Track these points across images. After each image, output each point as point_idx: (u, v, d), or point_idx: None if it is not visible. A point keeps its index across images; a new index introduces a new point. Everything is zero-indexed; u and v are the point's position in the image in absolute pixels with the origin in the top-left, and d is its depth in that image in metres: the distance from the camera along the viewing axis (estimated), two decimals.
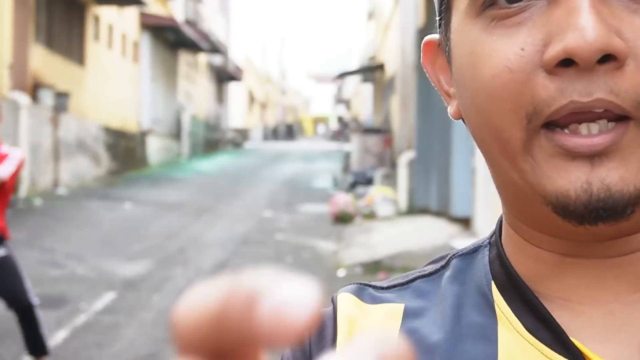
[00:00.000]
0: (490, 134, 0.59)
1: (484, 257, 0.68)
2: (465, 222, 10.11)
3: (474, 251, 0.70)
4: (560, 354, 0.60)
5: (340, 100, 64.99)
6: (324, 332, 0.67)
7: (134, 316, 6.45)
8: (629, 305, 0.61)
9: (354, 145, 20.15)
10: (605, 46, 0.53)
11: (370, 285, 0.72)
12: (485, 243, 0.70)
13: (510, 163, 0.58)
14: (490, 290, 0.65)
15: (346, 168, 21.31)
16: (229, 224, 11.87)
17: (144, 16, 23.11)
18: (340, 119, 60.86)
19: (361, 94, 41.91)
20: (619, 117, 0.55)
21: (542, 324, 0.61)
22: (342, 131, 46.14)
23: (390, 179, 15.47)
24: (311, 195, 16.59)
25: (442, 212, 11.17)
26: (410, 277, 0.71)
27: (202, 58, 33.83)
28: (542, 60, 0.55)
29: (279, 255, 9.39)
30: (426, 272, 0.71)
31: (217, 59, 36.91)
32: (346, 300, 0.70)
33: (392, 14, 21.27)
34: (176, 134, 27.59)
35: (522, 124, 0.56)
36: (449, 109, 0.67)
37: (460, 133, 9.99)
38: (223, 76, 39.60)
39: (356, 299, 0.70)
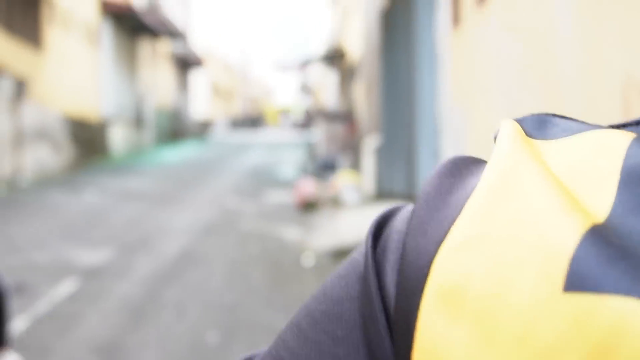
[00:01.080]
0: None
1: None
2: None
3: None
4: None
5: (305, 89, 64.75)
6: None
7: (96, 304, 6.28)
8: None
9: (319, 132, 20.03)
10: None
11: (562, 117, 0.41)
12: None
13: None
14: None
15: (312, 156, 21.19)
16: (193, 213, 11.69)
17: (104, 2, 22.82)
18: (305, 110, 60.58)
19: (326, 82, 41.76)
20: None
21: None
22: (308, 121, 45.99)
23: (356, 165, 15.38)
24: (276, 184, 16.43)
25: (408, 196, 11.10)
26: None
27: (163, 46, 33.47)
28: None
29: (244, 244, 9.25)
30: None
31: (178, 47, 36.56)
32: (506, 134, 0.39)
33: None
34: (138, 123, 27.25)
35: None
36: None
37: (425, 116, 9.92)
38: (185, 64, 39.23)
39: (522, 131, 0.39)
